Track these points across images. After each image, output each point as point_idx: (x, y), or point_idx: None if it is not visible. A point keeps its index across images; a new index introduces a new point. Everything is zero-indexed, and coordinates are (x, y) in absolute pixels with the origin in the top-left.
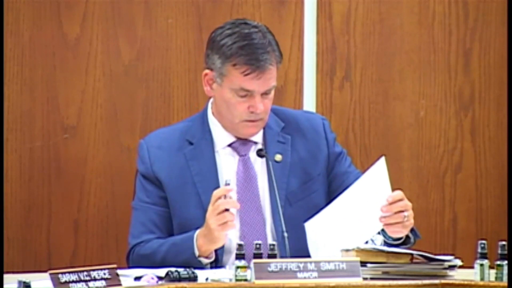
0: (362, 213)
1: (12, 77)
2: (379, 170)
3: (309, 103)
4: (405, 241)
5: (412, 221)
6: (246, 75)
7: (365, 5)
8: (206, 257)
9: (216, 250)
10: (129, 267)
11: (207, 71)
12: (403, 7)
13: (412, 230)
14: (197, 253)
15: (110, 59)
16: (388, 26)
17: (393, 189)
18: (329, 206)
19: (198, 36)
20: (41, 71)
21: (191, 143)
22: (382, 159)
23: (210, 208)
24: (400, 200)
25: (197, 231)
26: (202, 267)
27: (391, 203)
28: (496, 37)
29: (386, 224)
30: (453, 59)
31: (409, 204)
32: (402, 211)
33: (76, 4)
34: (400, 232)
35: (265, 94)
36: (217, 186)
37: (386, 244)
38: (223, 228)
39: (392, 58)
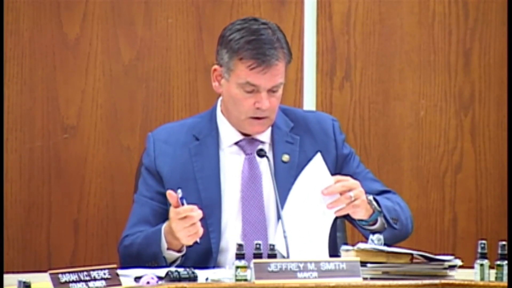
0: (313, 209)
1: (12, 77)
2: (317, 166)
3: (309, 103)
4: (380, 227)
5: (363, 198)
6: (252, 69)
7: (365, 5)
8: (178, 251)
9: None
10: (121, 263)
11: (216, 66)
12: (403, 7)
13: (385, 217)
14: (165, 245)
15: (110, 59)
16: (388, 26)
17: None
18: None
19: (198, 36)
20: (41, 71)
21: (197, 139)
22: (318, 155)
23: (178, 218)
24: (342, 181)
25: (163, 227)
26: (165, 265)
27: (330, 186)
28: (496, 37)
29: (336, 210)
30: (453, 59)
31: (355, 182)
32: (349, 191)
33: (76, 4)
34: (356, 213)
35: (271, 91)
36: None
37: (360, 229)
38: (193, 238)
39: (392, 58)
